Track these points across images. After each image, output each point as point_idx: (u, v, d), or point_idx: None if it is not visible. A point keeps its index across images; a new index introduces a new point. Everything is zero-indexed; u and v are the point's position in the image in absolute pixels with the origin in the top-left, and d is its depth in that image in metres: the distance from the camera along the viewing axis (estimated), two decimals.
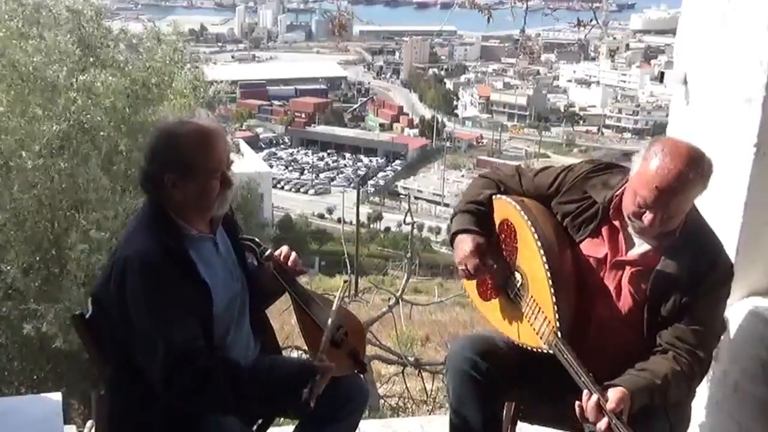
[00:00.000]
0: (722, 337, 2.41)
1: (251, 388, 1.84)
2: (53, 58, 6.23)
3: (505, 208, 2.19)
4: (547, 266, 2.02)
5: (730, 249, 2.38)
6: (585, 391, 1.84)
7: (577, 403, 1.84)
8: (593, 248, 2.09)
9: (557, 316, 1.98)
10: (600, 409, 1.80)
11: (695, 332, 1.95)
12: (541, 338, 2.02)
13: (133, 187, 6.35)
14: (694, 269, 1.96)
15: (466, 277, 2.21)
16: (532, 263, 2.07)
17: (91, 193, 5.93)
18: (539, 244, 2.04)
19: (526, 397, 2.28)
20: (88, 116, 6.13)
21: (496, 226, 2.21)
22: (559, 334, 1.97)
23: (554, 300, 1.99)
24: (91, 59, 6.72)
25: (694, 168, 1.86)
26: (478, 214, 2.21)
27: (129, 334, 1.85)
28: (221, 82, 8.32)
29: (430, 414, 5.85)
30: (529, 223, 2.08)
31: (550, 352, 1.98)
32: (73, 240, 5.78)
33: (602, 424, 1.78)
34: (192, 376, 1.80)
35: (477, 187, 2.29)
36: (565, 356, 1.93)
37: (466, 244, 2.16)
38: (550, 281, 2.01)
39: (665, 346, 1.97)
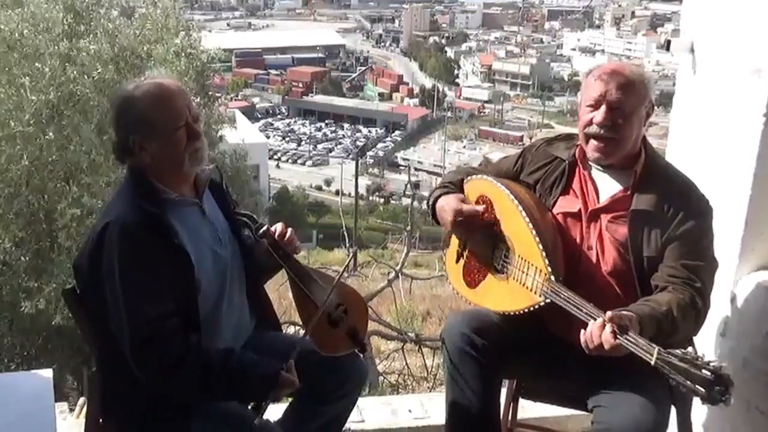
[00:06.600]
0: (729, 313, 2.39)
1: (217, 384, 1.80)
2: (41, 27, 6.10)
3: (478, 185, 2.26)
4: (527, 219, 2.04)
5: (738, 222, 2.36)
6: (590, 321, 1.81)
7: (582, 331, 1.80)
8: (567, 204, 2.14)
9: (547, 261, 1.98)
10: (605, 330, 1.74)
11: (686, 266, 1.95)
12: (535, 292, 2.00)
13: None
14: (668, 202, 2.00)
15: (463, 225, 2.20)
16: (513, 224, 2.10)
17: (83, 156, 5.81)
18: (516, 202, 2.09)
19: (526, 373, 2.25)
20: (78, 87, 6.01)
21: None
22: (552, 278, 1.96)
23: (541, 248, 2.00)
24: (82, 27, 6.57)
25: (628, 66, 2.07)
26: (453, 190, 2.30)
27: (105, 304, 1.81)
28: (217, 49, 8.10)
29: (430, 391, 5.81)
30: (503, 187, 2.14)
31: (548, 301, 1.97)
32: (63, 206, 5.68)
33: (608, 341, 1.73)
34: (161, 359, 1.77)
35: (448, 177, 2.40)
36: (563, 296, 1.93)
37: (450, 199, 2.23)
38: (533, 231, 2.02)
39: (662, 285, 1.96)
